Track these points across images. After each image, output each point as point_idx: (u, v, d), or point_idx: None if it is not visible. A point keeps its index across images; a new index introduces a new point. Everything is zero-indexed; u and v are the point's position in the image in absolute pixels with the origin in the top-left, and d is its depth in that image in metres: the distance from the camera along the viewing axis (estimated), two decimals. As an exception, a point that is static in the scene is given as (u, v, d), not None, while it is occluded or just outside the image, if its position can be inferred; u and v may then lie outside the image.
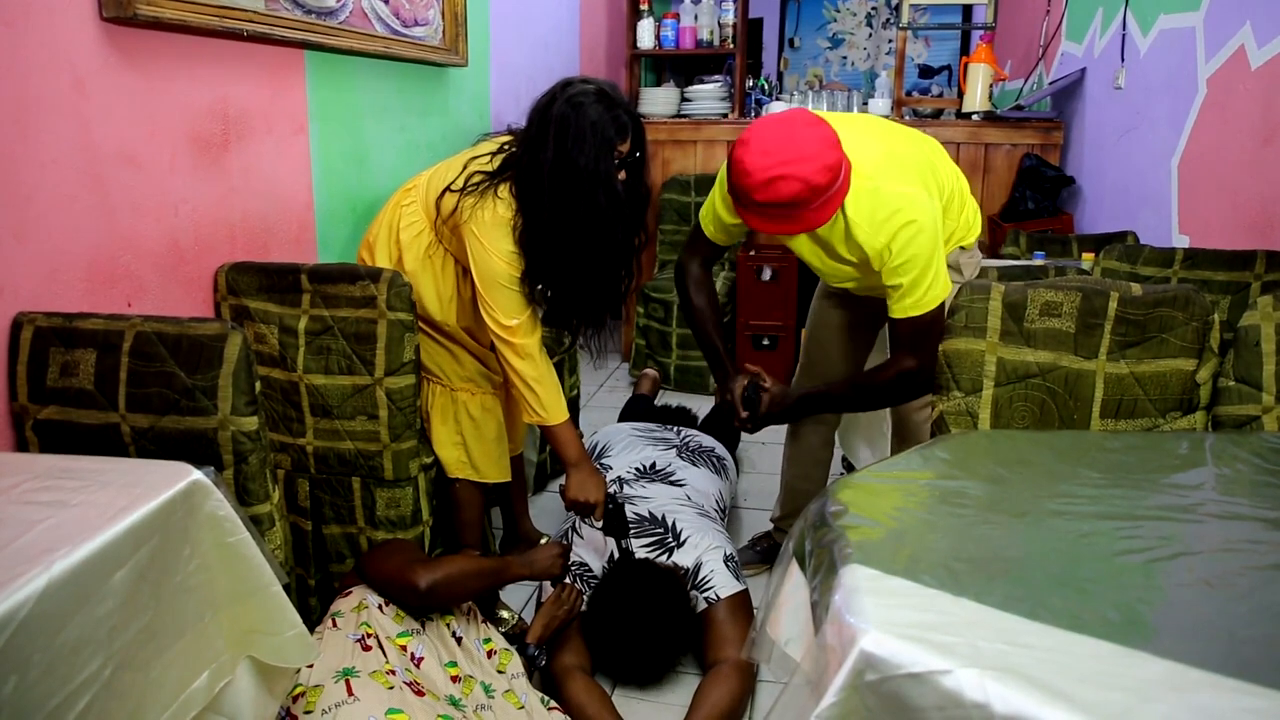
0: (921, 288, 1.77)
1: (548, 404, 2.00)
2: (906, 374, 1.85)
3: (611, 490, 2.11)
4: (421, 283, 2.06)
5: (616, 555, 2.10)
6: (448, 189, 1.94)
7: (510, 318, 1.93)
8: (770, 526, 2.59)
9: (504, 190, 1.89)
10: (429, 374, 2.16)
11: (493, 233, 1.89)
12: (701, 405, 3.43)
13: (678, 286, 2.18)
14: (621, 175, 1.91)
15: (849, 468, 2.90)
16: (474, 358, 2.18)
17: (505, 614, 2.14)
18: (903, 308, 1.79)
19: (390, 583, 1.69)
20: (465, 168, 1.94)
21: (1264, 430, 1.52)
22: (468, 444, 2.16)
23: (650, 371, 3.83)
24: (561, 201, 1.84)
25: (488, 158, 1.94)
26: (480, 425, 2.17)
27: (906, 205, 1.75)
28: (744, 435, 3.08)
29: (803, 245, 1.94)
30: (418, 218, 2.07)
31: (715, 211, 2.02)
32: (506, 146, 1.96)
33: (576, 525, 2.24)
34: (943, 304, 1.78)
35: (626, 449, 2.60)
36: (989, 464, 1.26)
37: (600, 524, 2.08)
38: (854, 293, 2.11)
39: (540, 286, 1.96)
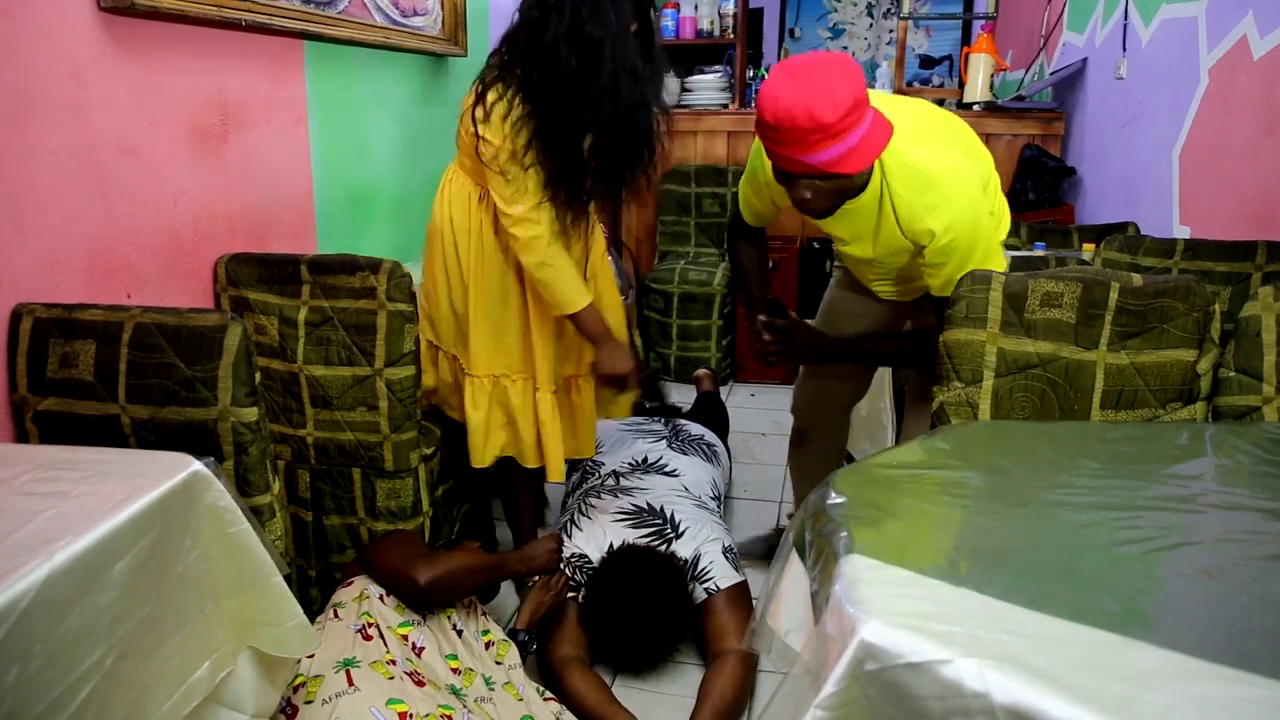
0: (969, 267, 1.66)
1: (561, 292, 1.94)
2: (926, 349, 1.76)
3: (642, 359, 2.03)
4: (490, 261, 2.01)
5: (616, 546, 2.10)
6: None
7: (510, 205, 1.89)
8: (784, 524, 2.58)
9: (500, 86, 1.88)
10: (497, 373, 2.08)
11: (493, 119, 1.86)
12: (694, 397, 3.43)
13: (730, 260, 2.21)
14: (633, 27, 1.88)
15: (849, 459, 2.90)
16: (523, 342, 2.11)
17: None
18: (948, 286, 1.67)
19: (391, 576, 1.70)
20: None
21: (1264, 421, 1.52)
22: (515, 424, 2.12)
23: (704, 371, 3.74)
24: (577, 52, 1.82)
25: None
26: (535, 412, 2.11)
27: (948, 174, 1.63)
28: (733, 426, 3.08)
29: (845, 228, 1.79)
30: (455, 175, 2.03)
31: (743, 190, 1.99)
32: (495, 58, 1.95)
33: (575, 517, 2.24)
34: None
35: (617, 444, 2.61)
36: (989, 454, 1.26)
37: (639, 393, 1.96)
38: (881, 293, 2.00)
39: (556, 164, 1.90)
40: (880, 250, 1.78)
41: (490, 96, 1.87)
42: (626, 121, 1.89)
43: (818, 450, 2.33)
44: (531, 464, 2.14)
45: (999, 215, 1.85)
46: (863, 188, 1.67)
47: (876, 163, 1.64)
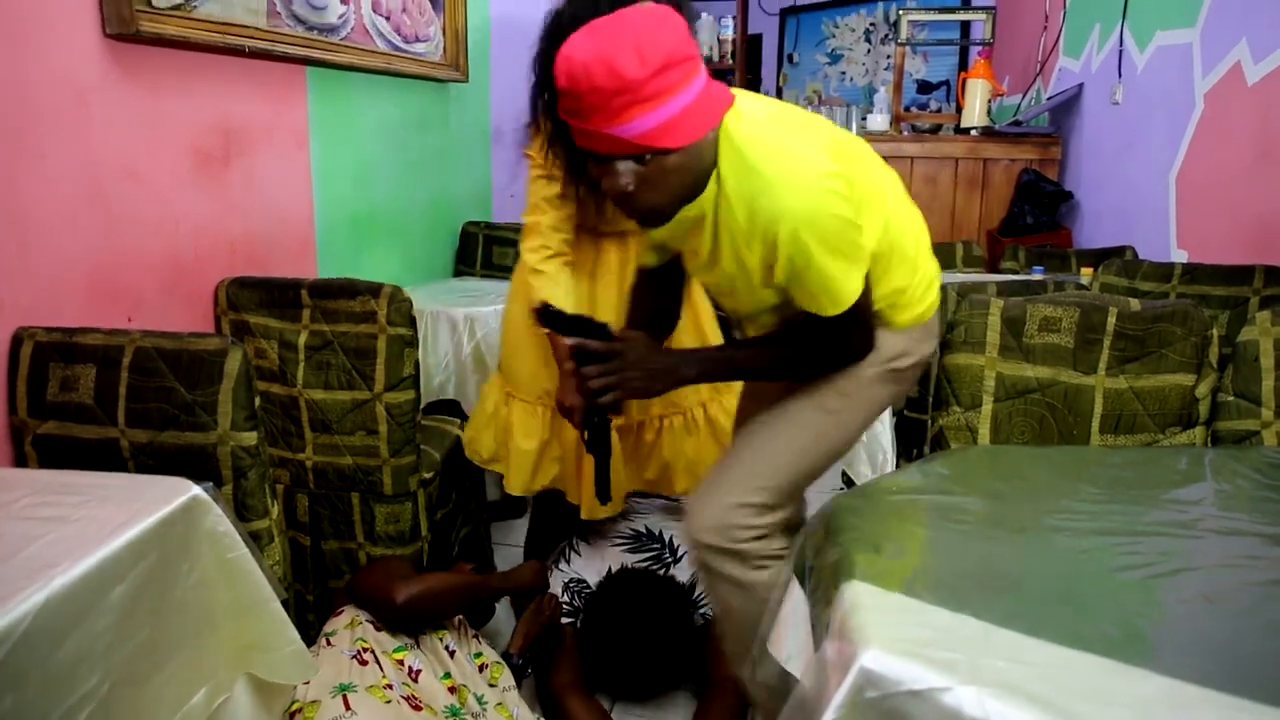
0: (829, 291, 1.31)
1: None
2: (813, 356, 1.45)
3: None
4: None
5: (614, 570, 2.10)
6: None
7: (524, 215, 1.91)
8: None
9: None
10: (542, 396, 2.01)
11: (536, 138, 1.88)
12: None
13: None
14: None
15: (849, 483, 2.90)
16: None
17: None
18: (817, 305, 1.34)
19: (371, 599, 1.69)
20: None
21: (1263, 445, 1.52)
22: (566, 457, 2.07)
23: None
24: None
25: None
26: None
27: (793, 168, 1.24)
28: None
29: (692, 241, 1.43)
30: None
31: None
32: None
33: (574, 542, 2.24)
34: (862, 298, 1.34)
35: None
36: (988, 479, 1.26)
37: (582, 429, 1.73)
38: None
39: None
40: (729, 266, 1.39)
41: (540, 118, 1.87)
42: None
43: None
44: (574, 499, 2.07)
45: (924, 288, 1.48)
46: (703, 183, 1.31)
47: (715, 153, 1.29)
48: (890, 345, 1.45)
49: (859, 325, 1.39)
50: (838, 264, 1.28)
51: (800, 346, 1.44)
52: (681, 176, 1.27)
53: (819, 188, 1.24)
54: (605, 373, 1.40)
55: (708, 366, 1.54)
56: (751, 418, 1.57)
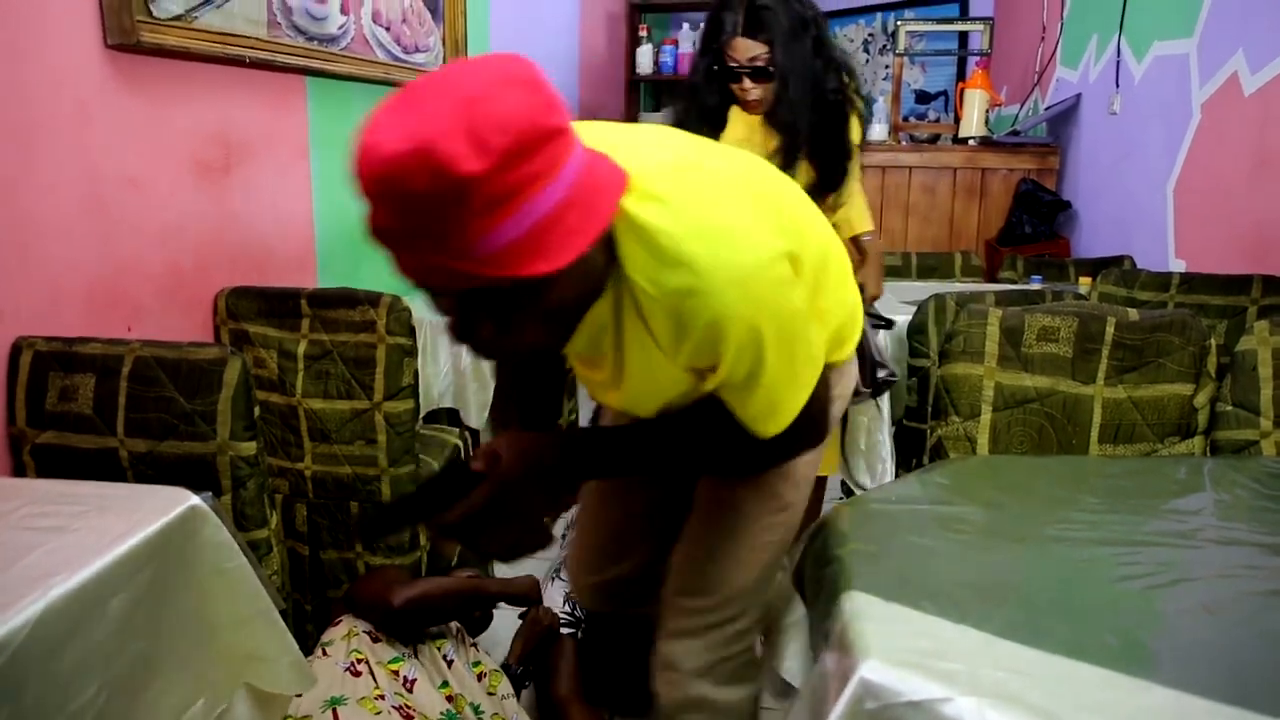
0: (773, 406, 1.01)
1: None
2: (752, 456, 1.12)
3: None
4: None
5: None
6: None
7: None
8: None
9: None
10: None
11: None
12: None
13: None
14: None
15: (849, 493, 2.89)
16: None
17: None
18: (752, 423, 1.02)
19: (369, 605, 1.70)
20: None
21: (1262, 455, 1.52)
22: None
23: None
24: None
25: None
26: None
27: (733, 254, 0.90)
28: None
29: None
30: None
31: None
32: None
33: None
34: (809, 409, 1.03)
35: None
36: (988, 489, 1.26)
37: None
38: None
39: None
40: (639, 384, 1.08)
41: None
42: None
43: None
44: None
45: (849, 321, 1.21)
46: (596, 293, 0.97)
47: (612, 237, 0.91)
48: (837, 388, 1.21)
49: (811, 421, 1.06)
50: (790, 370, 0.99)
51: (734, 446, 1.06)
52: (564, 300, 0.90)
53: (768, 276, 0.92)
54: (503, 525, 0.99)
55: (601, 459, 1.09)
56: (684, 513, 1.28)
